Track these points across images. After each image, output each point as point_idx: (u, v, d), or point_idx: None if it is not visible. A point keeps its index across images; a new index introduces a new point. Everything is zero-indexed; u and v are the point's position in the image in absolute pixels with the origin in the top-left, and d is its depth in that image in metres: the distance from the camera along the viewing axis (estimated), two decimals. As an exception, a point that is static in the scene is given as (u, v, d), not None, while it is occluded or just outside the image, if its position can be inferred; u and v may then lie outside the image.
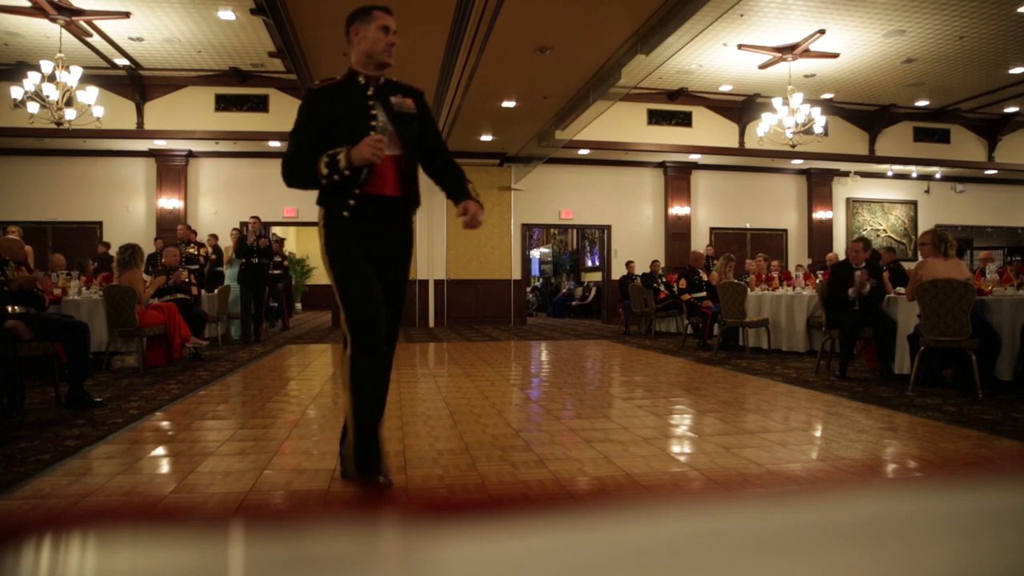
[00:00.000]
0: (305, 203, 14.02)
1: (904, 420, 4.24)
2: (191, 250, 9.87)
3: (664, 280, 11.72)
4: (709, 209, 15.24)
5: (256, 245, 9.58)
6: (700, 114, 13.46)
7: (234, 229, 11.17)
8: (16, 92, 8.72)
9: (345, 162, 2.48)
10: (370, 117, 2.63)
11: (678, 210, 14.86)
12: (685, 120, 13.43)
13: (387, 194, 2.63)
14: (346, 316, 2.55)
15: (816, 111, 10.55)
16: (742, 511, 0.40)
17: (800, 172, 15.53)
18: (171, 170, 13.08)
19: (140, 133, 11.91)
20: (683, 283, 9.41)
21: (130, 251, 6.61)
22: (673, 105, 13.28)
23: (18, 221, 11.72)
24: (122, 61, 10.80)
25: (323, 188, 2.60)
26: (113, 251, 11.29)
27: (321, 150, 2.53)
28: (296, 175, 2.63)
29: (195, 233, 10.90)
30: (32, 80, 8.67)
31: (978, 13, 9.11)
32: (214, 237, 10.94)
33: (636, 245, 14.54)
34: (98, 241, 12.22)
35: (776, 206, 15.64)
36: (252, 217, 10.07)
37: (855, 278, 6.05)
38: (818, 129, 10.63)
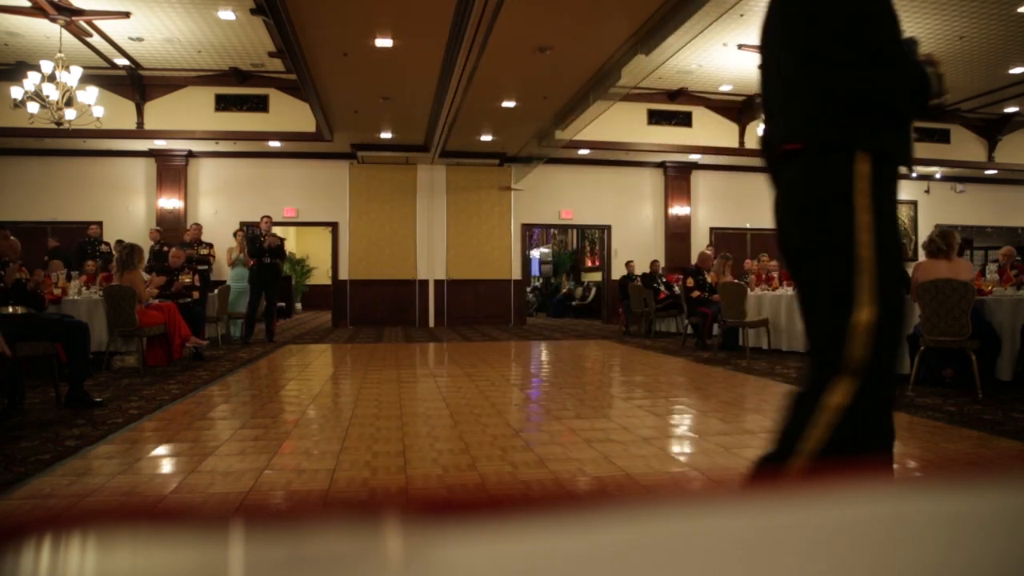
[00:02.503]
0: (306, 203, 14.08)
1: (904, 420, 4.23)
2: (203, 251, 9.74)
3: (664, 280, 11.71)
4: (709, 209, 15.24)
5: (268, 244, 9.62)
6: (700, 114, 13.45)
7: (238, 230, 11.13)
8: (16, 92, 8.71)
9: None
10: None
11: (678, 210, 14.86)
12: (685, 120, 13.43)
13: None
14: (876, 343, 1.54)
15: (816, 111, 10.54)
16: (742, 511, 0.40)
17: (800, 172, 15.51)
18: (171, 170, 13.07)
19: (140, 133, 11.91)
20: (691, 282, 9.46)
21: (130, 251, 6.61)
22: (673, 105, 13.28)
23: (18, 221, 11.76)
24: (122, 61, 10.79)
25: (877, 120, 1.64)
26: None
27: None
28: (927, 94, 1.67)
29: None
30: (32, 80, 8.66)
31: (978, 13, 9.10)
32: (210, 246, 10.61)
33: (636, 245, 14.54)
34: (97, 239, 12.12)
35: (776, 206, 15.63)
36: (264, 217, 10.12)
37: None
38: (818, 129, 10.61)
